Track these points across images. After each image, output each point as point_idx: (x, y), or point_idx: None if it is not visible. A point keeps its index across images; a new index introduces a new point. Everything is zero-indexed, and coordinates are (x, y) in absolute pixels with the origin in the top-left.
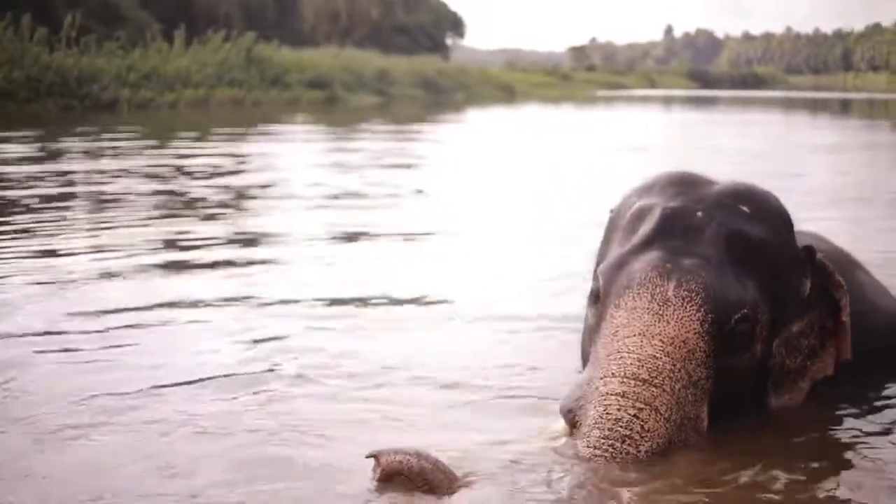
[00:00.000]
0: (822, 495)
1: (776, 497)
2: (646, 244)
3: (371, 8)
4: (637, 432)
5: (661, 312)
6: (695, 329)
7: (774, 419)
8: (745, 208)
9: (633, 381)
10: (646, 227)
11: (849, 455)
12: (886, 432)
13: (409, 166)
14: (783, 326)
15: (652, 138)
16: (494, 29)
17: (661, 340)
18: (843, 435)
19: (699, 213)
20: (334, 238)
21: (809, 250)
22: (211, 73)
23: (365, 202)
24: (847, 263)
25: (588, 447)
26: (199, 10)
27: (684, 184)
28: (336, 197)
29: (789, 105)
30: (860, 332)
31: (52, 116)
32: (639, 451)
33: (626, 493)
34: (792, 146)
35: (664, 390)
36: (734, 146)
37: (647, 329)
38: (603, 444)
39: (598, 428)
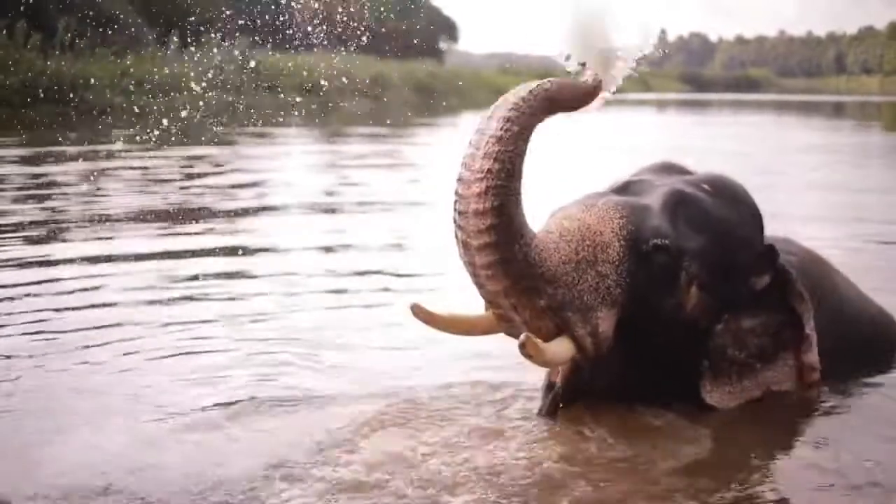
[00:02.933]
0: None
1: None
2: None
3: (365, 13)
4: (530, 237)
5: (585, 209)
6: (612, 229)
7: (749, 416)
8: (706, 186)
9: (542, 233)
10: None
11: (805, 459)
12: (846, 436)
13: (391, 167)
14: (729, 310)
15: (643, 141)
16: (488, 33)
17: (579, 223)
18: (805, 439)
19: (657, 183)
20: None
21: (772, 249)
22: (205, 78)
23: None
24: (822, 267)
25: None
26: (194, 15)
27: (662, 168)
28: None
29: (781, 108)
30: (835, 336)
31: (46, 122)
32: (530, 241)
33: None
34: (779, 148)
35: (568, 244)
36: (723, 148)
37: (570, 214)
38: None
39: None
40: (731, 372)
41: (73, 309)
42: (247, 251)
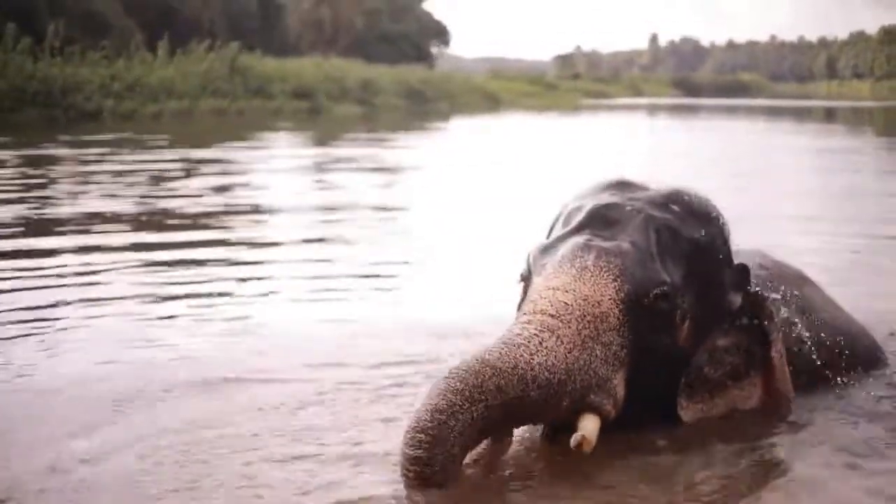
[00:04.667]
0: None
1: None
2: (574, 231)
3: (355, 17)
4: (534, 345)
5: (579, 276)
6: (609, 295)
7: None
8: (675, 207)
9: (539, 315)
10: (576, 219)
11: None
12: (818, 444)
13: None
14: (708, 331)
15: (631, 146)
16: (479, 38)
17: (574, 295)
18: (776, 450)
19: (628, 208)
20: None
21: (744, 269)
22: (195, 83)
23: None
24: (796, 279)
25: (483, 348)
26: (183, 20)
27: (621, 186)
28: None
29: (772, 113)
30: (811, 350)
31: (35, 126)
32: (532, 360)
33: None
34: (764, 152)
35: (569, 326)
36: (710, 153)
37: (564, 285)
38: (498, 346)
39: (498, 339)
40: (705, 389)
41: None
42: (199, 244)
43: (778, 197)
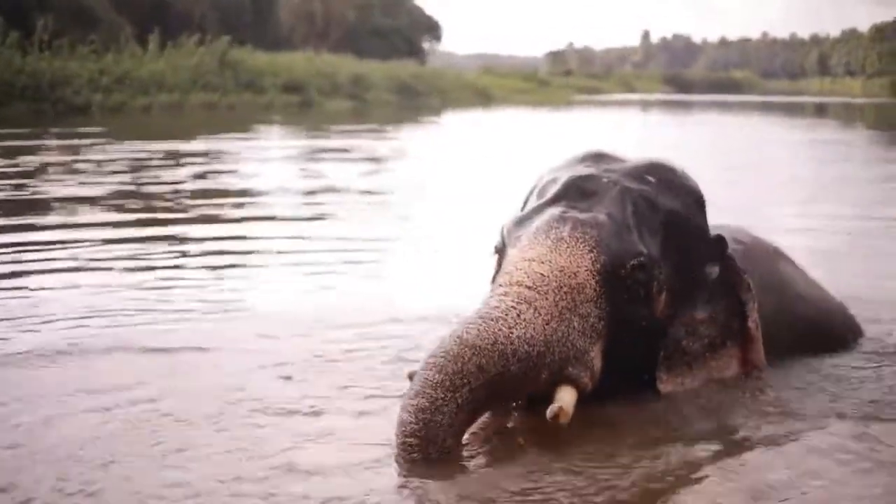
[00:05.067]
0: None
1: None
2: (549, 203)
3: (347, 11)
4: (512, 318)
5: (555, 247)
6: (586, 266)
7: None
8: (651, 178)
9: (516, 286)
10: (552, 191)
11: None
12: (784, 415)
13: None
14: (686, 303)
15: (622, 139)
16: (472, 34)
17: (551, 266)
18: (756, 426)
19: (604, 179)
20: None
21: (721, 240)
22: (185, 77)
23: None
24: (773, 256)
25: (460, 326)
26: (174, 13)
27: (597, 157)
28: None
29: (764, 109)
30: (785, 325)
31: (22, 120)
32: (511, 334)
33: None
34: (757, 144)
35: (546, 298)
36: (702, 145)
37: (540, 256)
38: (476, 321)
39: (475, 313)
40: (683, 362)
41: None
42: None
43: (771, 186)
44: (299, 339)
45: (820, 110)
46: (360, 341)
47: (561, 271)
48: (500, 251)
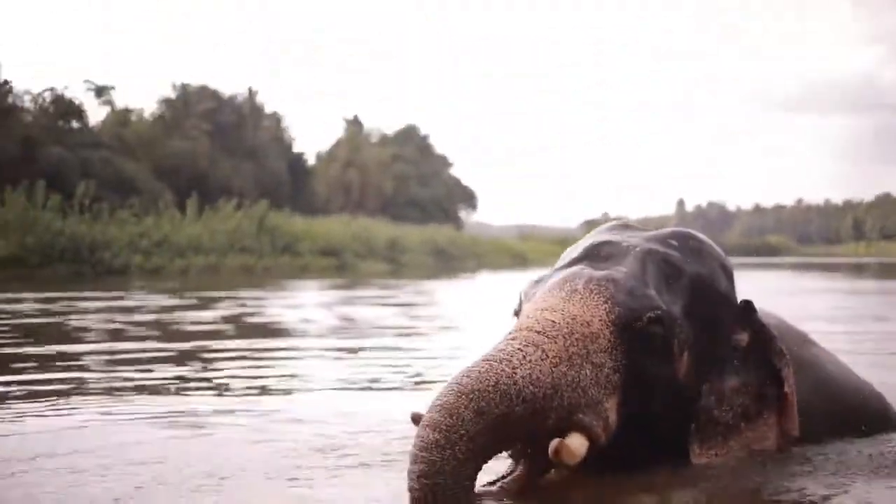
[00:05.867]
0: None
1: None
2: (567, 265)
3: (384, 182)
4: (517, 359)
5: (568, 298)
6: (600, 316)
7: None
8: (675, 243)
9: (525, 331)
10: (571, 256)
11: None
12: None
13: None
14: (714, 370)
15: None
16: (507, 203)
17: (562, 314)
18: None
19: (624, 244)
20: None
21: (749, 305)
22: (222, 240)
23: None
24: (801, 340)
25: (463, 370)
26: (214, 183)
27: (621, 228)
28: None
29: (800, 268)
30: (817, 398)
31: (61, 280)
32: (514, 374)
33: None
34: (792, 292)
35: (555, 341)
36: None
37: (552, 306)
38: (481, 363)
39: (482, 356)
40: (718, 433)
41: None
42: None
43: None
44: None
45: (858, 269)
46: None
47: (573, 319)
48: (517, 312)
